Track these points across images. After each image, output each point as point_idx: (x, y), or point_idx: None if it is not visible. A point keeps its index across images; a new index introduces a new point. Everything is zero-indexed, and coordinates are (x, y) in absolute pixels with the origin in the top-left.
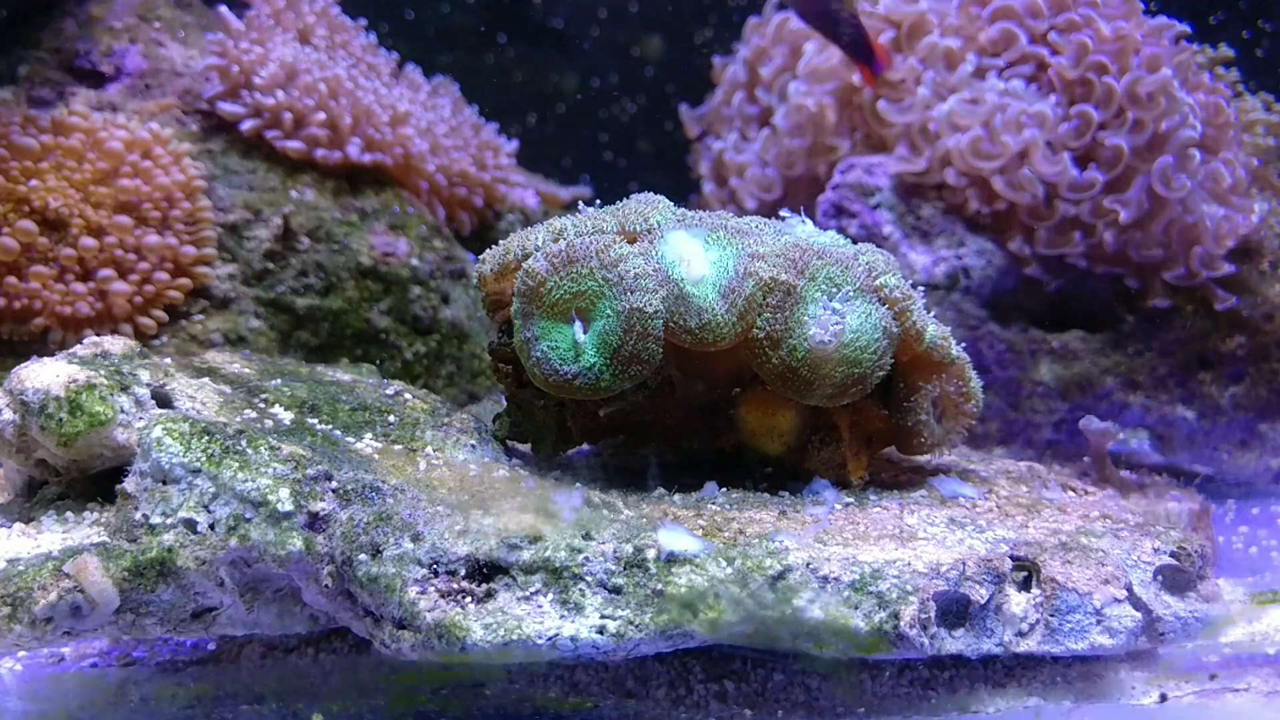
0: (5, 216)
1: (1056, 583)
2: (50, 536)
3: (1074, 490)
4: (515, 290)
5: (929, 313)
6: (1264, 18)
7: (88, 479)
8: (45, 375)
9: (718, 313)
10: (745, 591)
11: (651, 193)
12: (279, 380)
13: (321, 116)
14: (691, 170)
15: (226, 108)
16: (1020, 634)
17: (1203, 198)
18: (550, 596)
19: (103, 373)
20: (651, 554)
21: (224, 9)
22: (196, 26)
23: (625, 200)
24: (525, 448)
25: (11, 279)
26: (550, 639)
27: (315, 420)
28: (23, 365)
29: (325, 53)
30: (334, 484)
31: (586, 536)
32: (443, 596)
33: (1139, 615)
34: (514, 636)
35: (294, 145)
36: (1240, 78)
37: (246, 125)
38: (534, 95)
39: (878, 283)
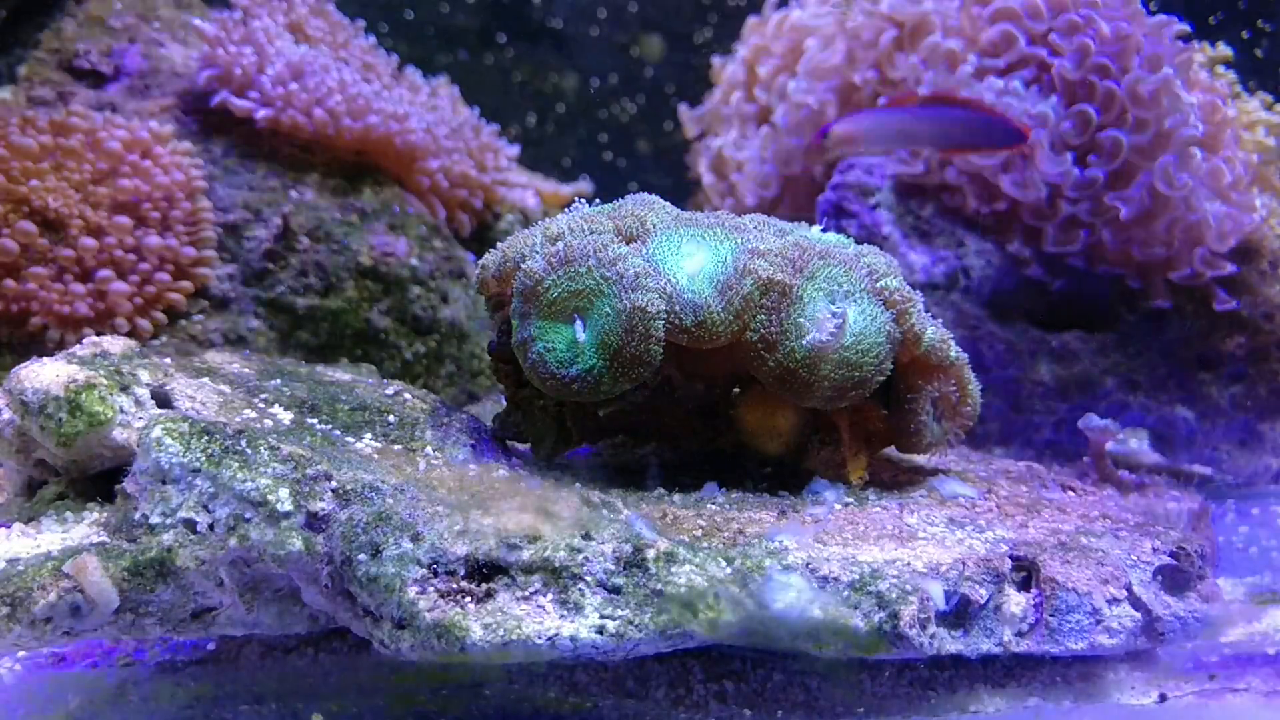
0: (5, 217)
1: (1056, 582)
2: (50, 536)
3: (1073, 490)
4: (514, 290)
5: (929, 314)
6: (1264, 18)
7: (87, 479)
8: (45, 375)
9: (714, 310)
10: (745, 591)
11: (649, 193)
12: (278, 380)
13: (339, 97)
14: (690, 170)
15: (238, 103)
16: (1020, 634)
17: (1205, 195)
18: (550, 596)
19: (102, 373)
20: (651, 554)
21: (196, 20)
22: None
23: (621, 200)
24: (525, 448)
25: (9, 281)
26: (550, 639)
27: (315, 420)
28: (22, 365)
29: (326, 51)
30: (333, 484)
31: (586, 536)
32: (442, 596)
33: (1138, 615)
34: (513, 636)
35: (319, 114)
36: (1240, 78)
37: (261, 114)
38: (534, 95)
39: (879, 285)
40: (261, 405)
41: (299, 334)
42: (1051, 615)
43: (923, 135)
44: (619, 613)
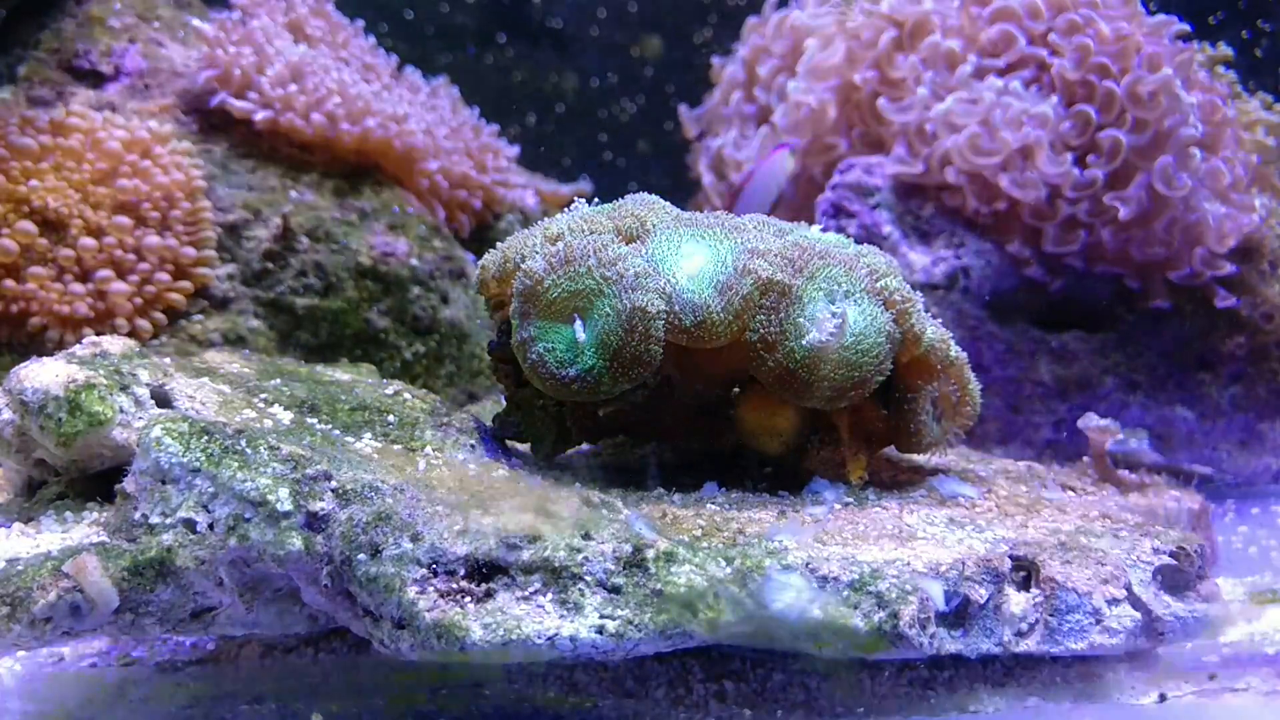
0: (5, 217)
1: (1056, 582)
2: (49, 536)
3: (1073, 490)
4: (514, 290)
5: (929, 314)
6: (1264, 18)
7: (87, 478)
8: (44, 375)
9: (713, 310)
10: (744, 591)
11: (649, 193)
12: (278, 380)
13: (338, 100)
14: (690, 170)
15: (237, 104)
16: (1019, 634)
17: (1205, 196)
18: (549, 596)
19: (102, 372)
20: (651, 554)
21: (196, 21)
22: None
23: (621, 200)
24: (525, 448)
25: (9, 282)
26: (549, 639)
27: (314, 420)
28: (22, 365)
29: (326, 51)
30: (333, 484)
31: (586, 536)
32: (442, 596)
33: (1138, 615)
34: (513, 636)
35: (318, 119)
36: (1240, 78)
37: (260, 115)
38: (534, 95)
39: (879, 285)
40: (261, 405)
41: (299, 334)
42: (1051, 615)
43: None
44: (619, 612)
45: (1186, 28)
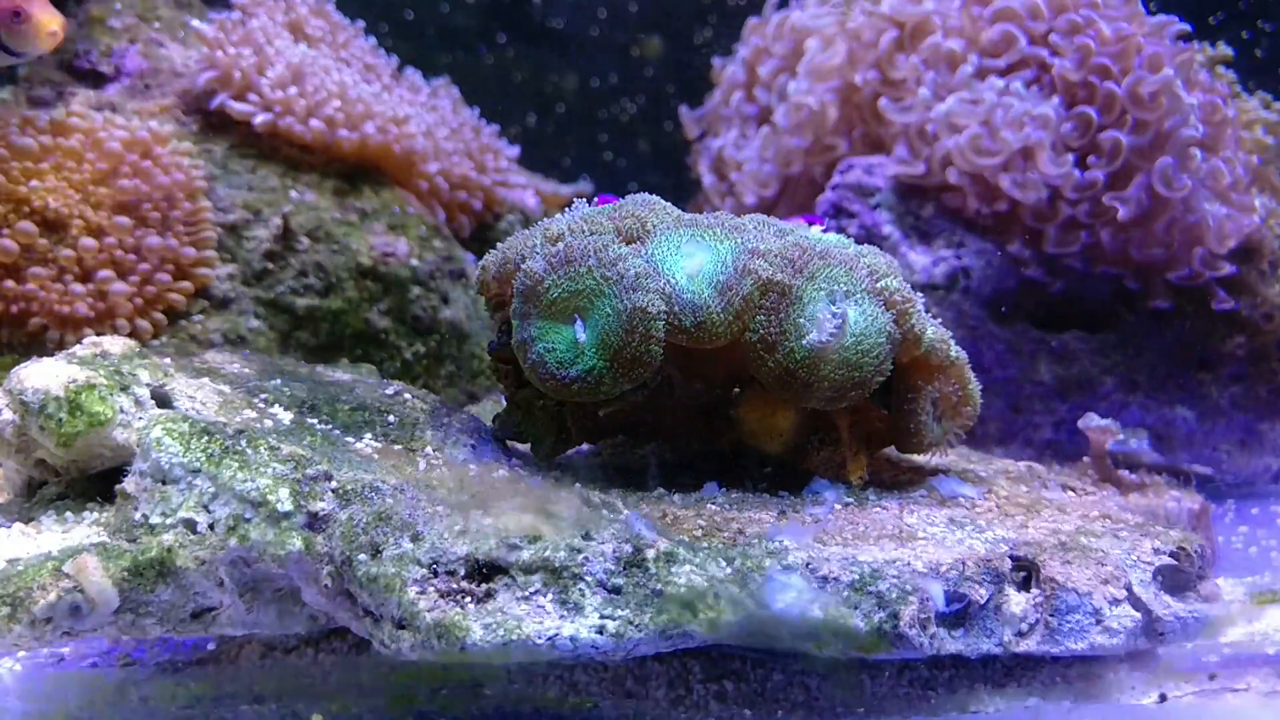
0: (5, 217)
1: (1056, 583)
2: (50, 536)
3: (1073, 490)
4: (514, 290)
5: (929, 314)
6: (1264, 18)
7: (87, 479)
8: (45, 375)
9: (713, 310)
10: (745, 591)
11: (649, 194)
12: (278, 380)
13: (337, 103)
14: (691, 170)
15: (237, 107)
16: (1020, 634)
17: (1205, 197)
18: (550, 596)
19: (102, 372)
20: (651, 554)
21: (195, 23)
22: None
23: (621, 201)
24: (525, 448)
25: (9, 282)
26: (550, 639)
27: (315, 420)
28: (22, 365)
29: (327, 52)
30: (334, 484)
31: (586, 536)
32: (442, 596)
33: (1138, 615)
34: (513, 636)
35: (316, 125)
36: (1240, 78)
37: (259, 119)
38: (534, 95)
39: (880, 285)
40: (261, 405)
41: (299, 334)
42: (1051, 615)
43: None
44: (619, 613)
45: (1187, 28)
